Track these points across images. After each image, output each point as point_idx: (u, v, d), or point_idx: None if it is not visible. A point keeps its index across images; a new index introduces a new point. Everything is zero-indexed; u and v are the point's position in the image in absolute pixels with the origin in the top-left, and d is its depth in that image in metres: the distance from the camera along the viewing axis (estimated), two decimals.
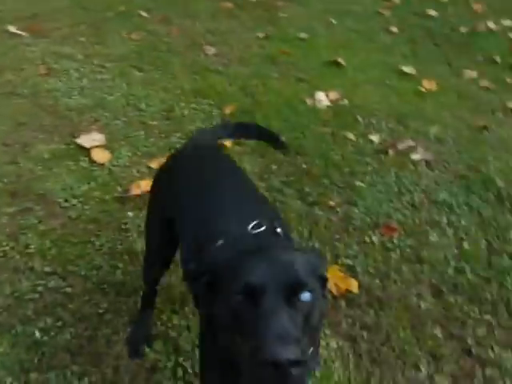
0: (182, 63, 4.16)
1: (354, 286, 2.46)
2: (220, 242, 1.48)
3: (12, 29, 4.36)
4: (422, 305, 2.44)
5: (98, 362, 2.08)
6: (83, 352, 2.11)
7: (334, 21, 5.21)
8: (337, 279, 2.46)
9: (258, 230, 1.50)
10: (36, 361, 2.06)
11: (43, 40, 4.29)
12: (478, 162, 3.42)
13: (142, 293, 2.25)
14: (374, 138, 3.54)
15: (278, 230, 1.53)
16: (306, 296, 1.20)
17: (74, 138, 3.19)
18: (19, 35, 4.32)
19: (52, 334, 2.15)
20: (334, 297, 2.41)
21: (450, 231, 2.89)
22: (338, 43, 4.80)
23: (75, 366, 2.05)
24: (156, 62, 4.12)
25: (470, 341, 2.30)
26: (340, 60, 4.42)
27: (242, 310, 1.19)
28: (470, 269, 2.64)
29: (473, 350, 2.27)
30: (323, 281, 1.32)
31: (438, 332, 2.33)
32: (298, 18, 5.26)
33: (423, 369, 2.18)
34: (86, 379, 2.02)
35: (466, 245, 2.78)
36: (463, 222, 2.94)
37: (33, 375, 2.01)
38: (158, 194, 1.98)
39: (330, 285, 2.42)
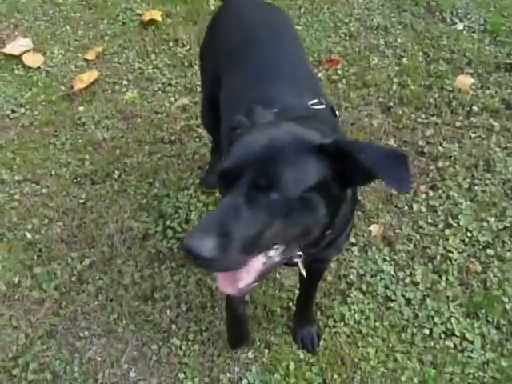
0: None
1: None
2: (275, 110, 1.41)
3: None
4: (374, 122, 2.71)
5: (94, 244, 2.32)
6: (77, 239, 2.33)
7: None
8: None
9: (318, 107, 1.49)
10: (35, 257, 2.28)
11: None
12: None
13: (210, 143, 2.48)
14: None
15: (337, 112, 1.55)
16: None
17: (0, 48, 3.19)
18: None
19: (42, 231, 2.36)
20: None
21: (388, 52, 3.10)
22: None
23: (73, 253, 2.28)
24: None
25: (421, 142, 2.60)
26: None
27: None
28: (412, 81, 2.89)
29: (425, 150, 2.58)
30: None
31: (392, 142, 2.62)
32: None
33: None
34: (87, 260, 2.26)
35: (405, 60, 3.02)
36: (399, 40, 3.15)
37: (37, 269, 2.23)
38: (207, 43, 2.00)
39: None
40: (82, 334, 2.05)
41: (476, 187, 2.42)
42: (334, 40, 3.18)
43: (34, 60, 3.12)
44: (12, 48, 3.17)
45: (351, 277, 2.14)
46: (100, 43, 3.24)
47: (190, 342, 2.00)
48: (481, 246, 2.23)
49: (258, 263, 1.18)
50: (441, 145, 2.58)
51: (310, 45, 3.13)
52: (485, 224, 2.29)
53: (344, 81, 2.92)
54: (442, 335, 1.97)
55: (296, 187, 1.13)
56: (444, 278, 2.12)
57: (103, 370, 1.96)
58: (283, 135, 1.19)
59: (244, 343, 1.96)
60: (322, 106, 1.50)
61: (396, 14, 3.33)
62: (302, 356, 1.94)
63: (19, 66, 3.11)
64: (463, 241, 2.24)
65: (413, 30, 3.21)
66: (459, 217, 2.31)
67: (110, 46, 3.22)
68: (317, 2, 3.45)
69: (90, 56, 3.14)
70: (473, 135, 2.63)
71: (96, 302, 2.13)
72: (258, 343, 1.98)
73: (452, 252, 2.20)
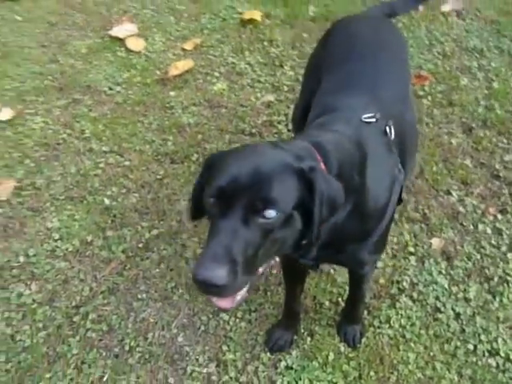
0: None
1: None
2: (322, 118, 1.55)
3: None
4: (453, 141, 2.76)
5: (164, 217, 2.52)
6: (149, 211, 2.54)
7: None
8: None
9: (368, 120, 1.58)
10: (109, 221, 2.51)
11: None
12: (510, 5, 3.58)
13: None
14: None
15: (389, 129, 1.59)
16: (270, 213, 1.21)
17: (107, 30, 3.51)
18: None
19: (119, 199, 2.59)
20: None
21: (480, 74, 3.14)
22: None
23: (144, 222, 2.49)
24: None
25: (497, 166, 2.63)
26: None
27: (211, 213, 1.28)
28: (499, 105, 2.92)
29: (500, 174, 2.60)
30: (308, 183, 1.27)
31: (468, 162, 2.66)
32: None
33: (454, 193, 2.54)
34: (155, 231, 2.46)
35: (495, 85, 3.05)
36: (493, 65, 3.18)
37: (109, 232, 2.46)
38: (315, 52, 2.18)
39: None
40: (139, 296, 2.24)
41: None
42: (426, 57, 3.26)
43: (136, 44, 3.42)
44: (118, 31, 3.48)
45: (404, 283, 2.20)
46: (199, 35, 3.49)
47: (237, 319, 2.14)
48: None
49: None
50: None
51: None
52: None
53: (429, 97, 2.99)
54: (486, 353, 2.00)
55: (287, 206, 1.24)
56: (498, 299, 2.14)
57: (154, 331, 2.13)
58: (267, 159, 1.29)
59: (283, 348, 2.05)
60: (373, 120, 1.59)
61: (494, 38, 3.36)
62: (342, 349, 2.03)
63: (122, 49, 3.40)
64: None
65: (509, 56, 3.23)
66: None
67: (208, 39, 3.46)
68: (415, 19, 3.54)
69: (188, 46, 3.39)
70: None
71: (157, 270, 2.32)
72: (302, 330, 2.09)
73: (511, 276, 2.22)
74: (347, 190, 1.37)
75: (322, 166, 1.37)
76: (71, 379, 2.00)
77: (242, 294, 1.29)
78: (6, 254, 2.35)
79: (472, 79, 3.10)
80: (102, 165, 2.76)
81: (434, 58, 3.24)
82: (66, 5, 3.80)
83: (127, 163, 2.76)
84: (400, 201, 1.68)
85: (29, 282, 2.26)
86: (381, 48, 1.92)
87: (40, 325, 2.13)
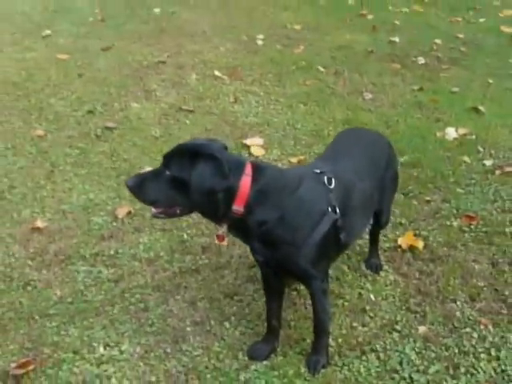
0: (340, 103, 5.34)
1: (420, 244, 3.27)
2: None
3: (217, 73, 6.06)
4: (476, 267, 3.14)
5: None
6: None
7: (491, 80, 5.97)
8: (408, 239, 3.30)
9: (315, 170, 2.39)
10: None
11: (237, 82, 5.87)
12: None
13: None
14: (488, 162, 4.26)
15: (328, 183, 2.33)
16: (166, 171, 2.17)
17: (242, 139, 4.54)
18: (221, 78, 5.98)
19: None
20: (403, 250, 3.25)
21: None
22: (487, 97, 5.55)
23: None
24: (319, 101, 5.36)
25: (507, 293, 2.94)
26: (481, 108, 5.19)
27: None
28: None
29: (508, 300, 2.90)
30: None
31: (482, 284, 3.01)
32: (457, 77, 6.13)
33: (458, 303, 2.89)
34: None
35: None
36: None
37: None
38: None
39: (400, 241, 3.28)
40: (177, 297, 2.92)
41: None
42: (485, 207, 3.70)
43: (257, 151, 4.39)
44: (249, 141, 4.50)
45: (377, 346, 2.61)
46: (305, 156, 4.35)
47: (236, 330, 2.70)
48: None
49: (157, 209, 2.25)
50: None
51: (461, 204, 3.69)
52: None
53: (472, 234, 3.42)
54: None
55: (175, 171, 2.15)
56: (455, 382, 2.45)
57: (174, 318, 2.77)
58: (187, 145, 2.28)
59: (258, 358, 2.54)
60: (318, 172, 2.38)
61: None
62: (302, 371, 2.49)
63: (246, 153, 4.37)
64: None
65: None
66: None
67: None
68: (488, 180, 4.02)
69: (294, 160, 4.25)
70: None
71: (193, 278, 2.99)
72: (280, 348, 2.60)
73: (477, 371, 2.50)
74: (273, 201, 2.20)
75: (248, 178, 2.16)
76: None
77: (155, 211, 2.25)
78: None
79: None
80: None
81: (492, 210, 3.66)
82: (222, 120, 4.98)
83: None
84: (339, 240, 2.37)
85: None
86: (357, 149, 2.72)
87: None
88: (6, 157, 4.29)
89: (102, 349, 2.59)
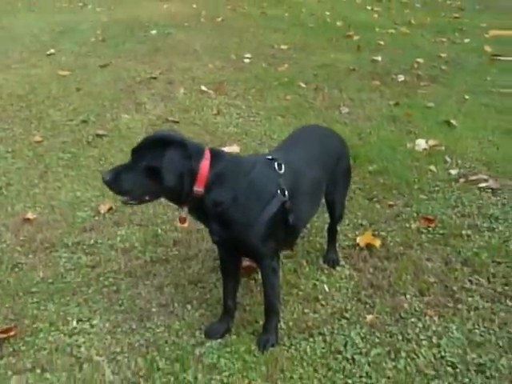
0: (317, 116, 5.55)
1: (377, 243, 3.42)
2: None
3: (204, 88, 6.32)
4: (429, 265, 3.29)
5: None
6: None
7: (467, 96, 6.18)
8: (366, 238, 3.46)
9: (267, 157, 2.66)
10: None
11: (222, 96, 6.13)
12: None
13: None
14: (453, 171, 4.43)
15: (279, 168, 2.57)
16: (143, 163, 2.36)
17: (220, 147, 4.69)
18: (207, 92, 6.25)
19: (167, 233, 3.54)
20: (361, 248, 3.41)
21: (487, 233, 3.63)
22: (461, 112, 5.74)
23: None
24: (297, 114, 5.58)
25: (456, 289, 3.08)
26: (453, 121, 5.38)
27: None
28: (489, 255, 3.33)
29: (456, 296, 3.04)
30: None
31: (432, 280, 3.15)
32: (434, 94, 6.34)
33: (408, 296, 3.04)
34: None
35: (494, 241, 3.49)
36: (501, 228, 3.65)
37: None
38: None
39: (359, 239, 3.44)
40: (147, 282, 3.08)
41: None
42: (445, 212, 3.85)
43: None
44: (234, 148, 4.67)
45: (324, 330, 2.75)
46: None
47: (196, 312, 2.86)
48: None
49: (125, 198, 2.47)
50: (473, 297, 3.04)
51: (422, 208, 3.85)
52: None
53: (429, 235, 3.57)
54: None
55: (149, 161, 2.35)
56: (395, 364, 2.60)
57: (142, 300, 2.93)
58: (155, 137, 2.47)
59: (213, 336, 2.73)
60: (270, 158, 2.64)
61: None
62: (253, 348, 2.66)
63: None
64: None
65: None
66: None
67: None
68: (452, 187, 4.18)
69: None
70: None
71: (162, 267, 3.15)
72: (234, 329, 2.78)
73: (417, 349, 2.63)
74: (228, 182, 2.41)
75: (207, 162, 2.39)
76: None
77: (125, 198, 2.46)
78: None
79: (476, 234, 3.60)
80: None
81: (452, 214, 3.82)
82: (204, 130, 5.20)
83: None
84: (287, 222, 2.55)
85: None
86: (309, 141, 2.97)
87: None
88: (6, 159, 4.70)
89: (75, 322, 2.84)
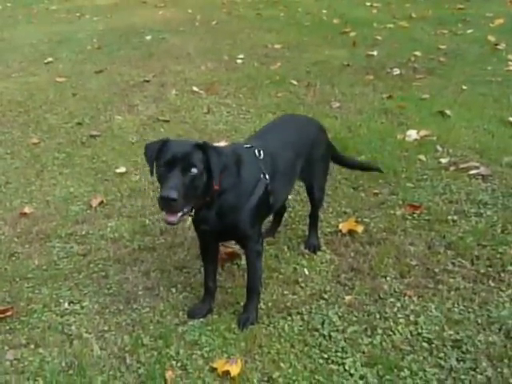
0: (307, 111, 5.63)
1: (359, 229, 3.52)
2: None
3: (195, 89, 6.50)
4: (412, 249, 3.39)
5: None
6: None
7: (465, 87, 6.25)
8: (348, 225, 3.56)
9: (246, 146, 2.88)
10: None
11: (213, 96, 6.29)
12: None
13: None
14: (444, 160, 4.51)
15: (259, 154, 2.82)
16: (193, 170, 2.45)
17: None
18: (198, 92, 6.43)
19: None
20: (343, 234, 3.52)
21: (474, 219, 3.70)
22: (457, 102, 5.82)
23: None
24: (287, 110, 5.66)
25: (438, 271, 3.18)
26: (448, 111, 5.46)
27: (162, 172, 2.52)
28: (474, 239, 3.43)
29: (437, 277, 3.13)
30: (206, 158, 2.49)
31: (414, 263, 3.24)
32: (430, 86, 6.41)
33: (388, 278, 3.13)
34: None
35: (480, 225, 3.57)
36: (489, 213, 3.72)
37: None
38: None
39: (341, 226, 3.55)
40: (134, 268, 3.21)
41: None
42: (432, 199, 3.93)
43: None
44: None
45: (303, 309, 2.86)
46: None
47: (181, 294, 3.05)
48: None
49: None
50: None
51: (409, 196, 3.94)
52: None
53: (414, 221, 3.67)
54: (332, 364, 2.56)
55: (200, 166, 2.48)
56: (370, 339, 2.72)
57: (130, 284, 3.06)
58: (186, 144, 2.59)
59: (195, 316, 2.92)
60: (249, 146, 2.87)
61: (506, 199, 3.93)
62: (233, 326, 2.84)
63: None
64: None
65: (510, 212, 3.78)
66: None
67: None
68: (441, 175, 4.25)
69: None
70: None
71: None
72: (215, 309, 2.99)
73: (393, 325, 2.74)
74: (227, 171, 2.62)
75: None
76: None
77: (180, 215, 2.48)
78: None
79: (463, 219, 3.68)
80: None
81: (439, 201, 3.91)
82: (194, 128, 5.32)
83: None
84: (269, 202, 2.81)
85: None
86: (287, 128, 3.22)
87: None
88: (5, 159, 5.10)
89: (66, 304, 3.12)
